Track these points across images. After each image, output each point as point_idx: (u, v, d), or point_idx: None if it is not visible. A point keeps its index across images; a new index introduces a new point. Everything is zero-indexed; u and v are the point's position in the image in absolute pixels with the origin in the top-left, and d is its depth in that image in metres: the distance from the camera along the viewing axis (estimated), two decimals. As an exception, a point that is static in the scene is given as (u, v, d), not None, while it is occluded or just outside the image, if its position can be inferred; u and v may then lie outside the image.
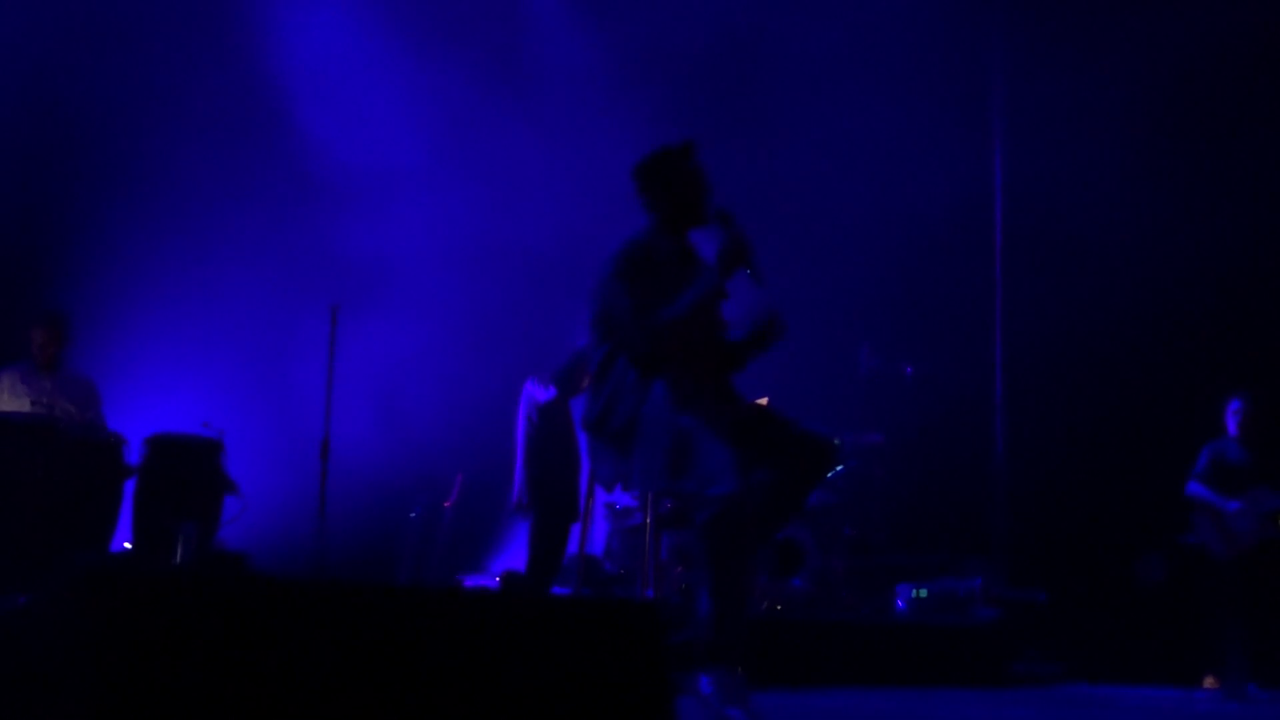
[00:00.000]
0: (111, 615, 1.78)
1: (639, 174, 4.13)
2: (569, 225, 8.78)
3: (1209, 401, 7.54)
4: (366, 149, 9.16)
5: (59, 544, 5.92)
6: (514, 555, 8.44)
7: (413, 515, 8.93)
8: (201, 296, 8.68)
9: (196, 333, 8.55)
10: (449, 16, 9.60)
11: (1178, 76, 8.83)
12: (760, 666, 3.84)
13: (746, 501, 3.55)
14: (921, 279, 9.65)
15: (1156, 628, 7.96)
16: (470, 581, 8.24)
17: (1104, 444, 8.91)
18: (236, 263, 8.76)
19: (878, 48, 9.76)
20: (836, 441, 4.15)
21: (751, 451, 3.75)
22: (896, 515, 8.82)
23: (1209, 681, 7.14)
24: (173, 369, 8.34)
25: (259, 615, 1.88)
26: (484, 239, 9.23)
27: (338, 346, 7.32)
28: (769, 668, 4.65)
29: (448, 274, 9.10)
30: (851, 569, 8.20)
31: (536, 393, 7.01)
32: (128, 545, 6.54)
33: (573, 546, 6.89)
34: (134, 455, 6.55)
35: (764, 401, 4.46)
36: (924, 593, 7.82)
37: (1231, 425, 7.29)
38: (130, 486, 6.50)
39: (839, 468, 8.10)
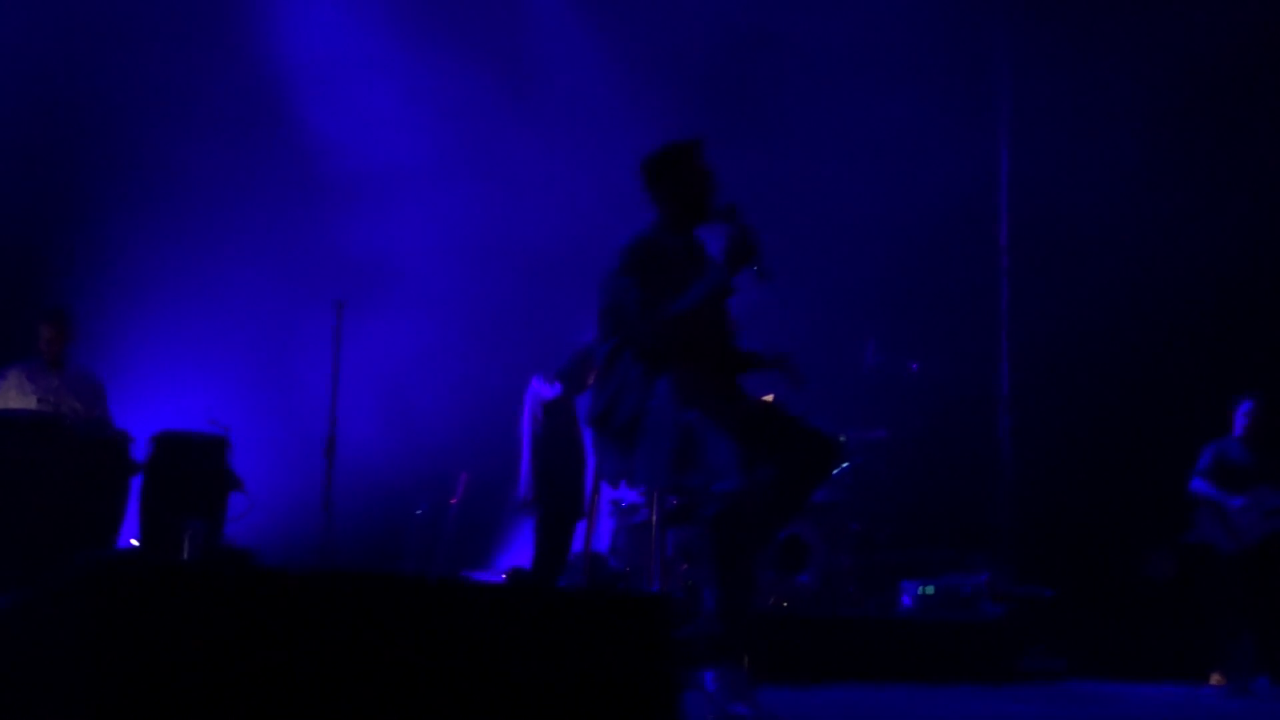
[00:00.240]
0: (118, 608, 1.78)
1: (646, 170, 4.13)
2: (574, 221, 8.77)
3: (1214, 398, 7.53)
4: (371, 146, 9.17)
5: (65, 541, 5.93)
6: (520, 552, 8.44)
7: (418, 512, 8.94)
8: (207, 294, 8.70)
9: (202, 330, 8.56)
10: (454, 13, 9.60)
11: (1184, 71, 8.81)
12: (766, 662, 3.84)
13: (752, 498, 3.54)
14: (927, 275, 9.65)
15: (1163, 624, 7.95)
16: (476, 578, 8.24)
17: (1110, 440, 8.90)
18: (242, 260, 8.77)
19: (882, 43, 9.74)
20: (841, 438, 4.15)
21: (756, 448, 3.74)
22: (902, 511, 8.81)
23: (1215, 678, 7.13)
24: (178, 366, 8.35)
25: (266, 607, 1.88)
26: (489, 235, 9.23)
27: (343, 343, 7.33)
28: (774, 664, 4.65)
29: (453, 271, 9.10)
30: (857, 565, 8.19)
31: (542, 390, 7.01)
32: (134, 542, 6.56)
33: (578, 543, 6.89)
34: (140, 452, 6.56)
35: (769, 398, 4.45)
36: (930, 589, 7.81)
37: (1238, 425, 7.28)
38: (136, 483, 6.50)
39: (844, 464, 8.10)
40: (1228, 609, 7.02)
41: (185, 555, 6.05)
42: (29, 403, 6.64)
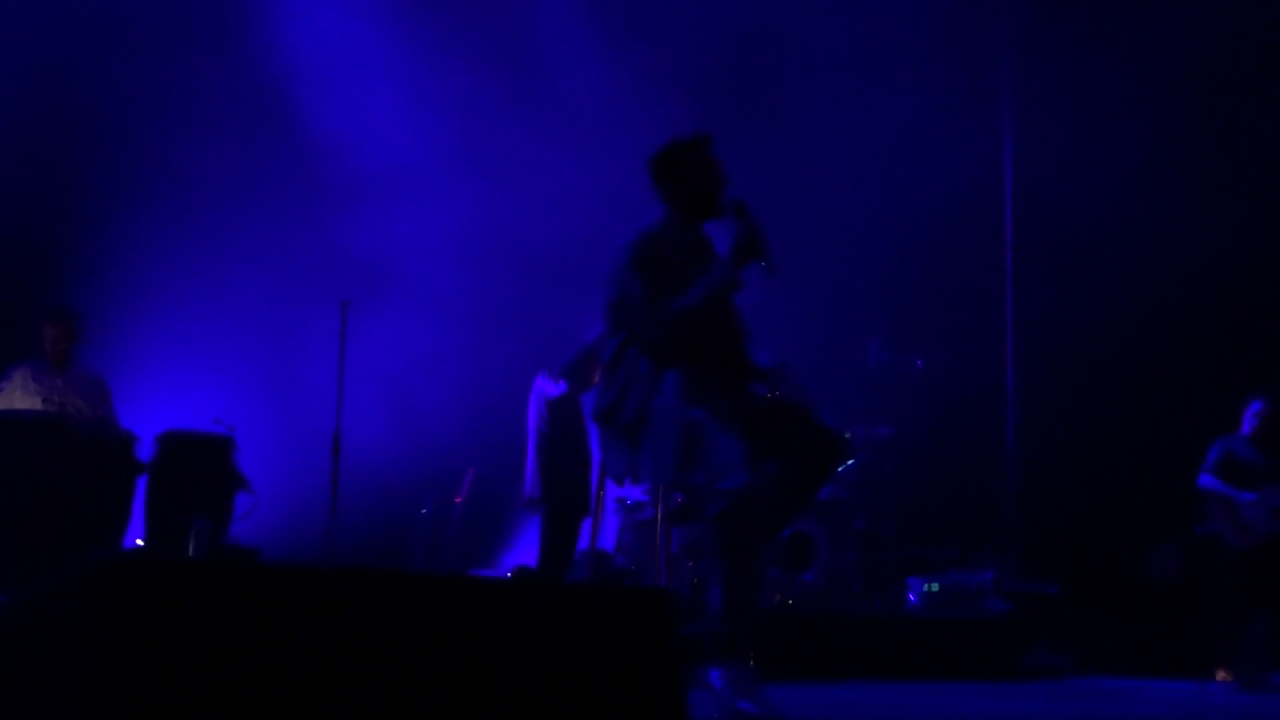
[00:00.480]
0: (124, 607, 1.78)
1: (654, 165, 4.11)
2: (577, 219, 8.78)
3: (1219, 395, 7.52)
4: (375, 145, 9.18)
5: (71, 541, 5.93)
6: (525, 550, 8.44)
7: (424, 511, 8.95)
8: (212, 293, 8.71)
9: (207, 329, 8.58)
10: (458, 13, 9.60)
11: (1188, 68, 8.80)
12: (772, 660, 3.83)
13: (757, 495, 3.54)
14: (932, 272, 9.64)
15: (1168, 621, 7.94)
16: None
17: (1115, 436, 8.89)
18: (247, 259, 8.78)
19: (886, 42, 9.74)
20: (847, 435, 4.14)
21: (762, 445, 3.74)
22: (907, 508, 8.80)
23: (1221, 674, 7.13)
24: (184, 366, 8.37)
25: (271, 605, 1.88)
26: (493, 234, 9.24)
27: (348, 342, 7.34)
28: (780, 661, 4.65)
29: (458, 269, 9.11)
30: (862, 562, 8.19)
31: (547, 388, 7.01)
32: (140, 542, 6.56)
33: (584, 541, 6.90)
34: (145, 452, 6.57)
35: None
36: (935, 586, 7.81)
37: (1247, 424, 7.28)
38: (142, 483, 6.51)
39: (850, 461, 8.10)
40: (1237, 603, 7.02)
41: (191, 554, 6.05)
42: (34, 403, 6.65)
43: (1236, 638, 6.93)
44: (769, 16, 9.81)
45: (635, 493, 7.46)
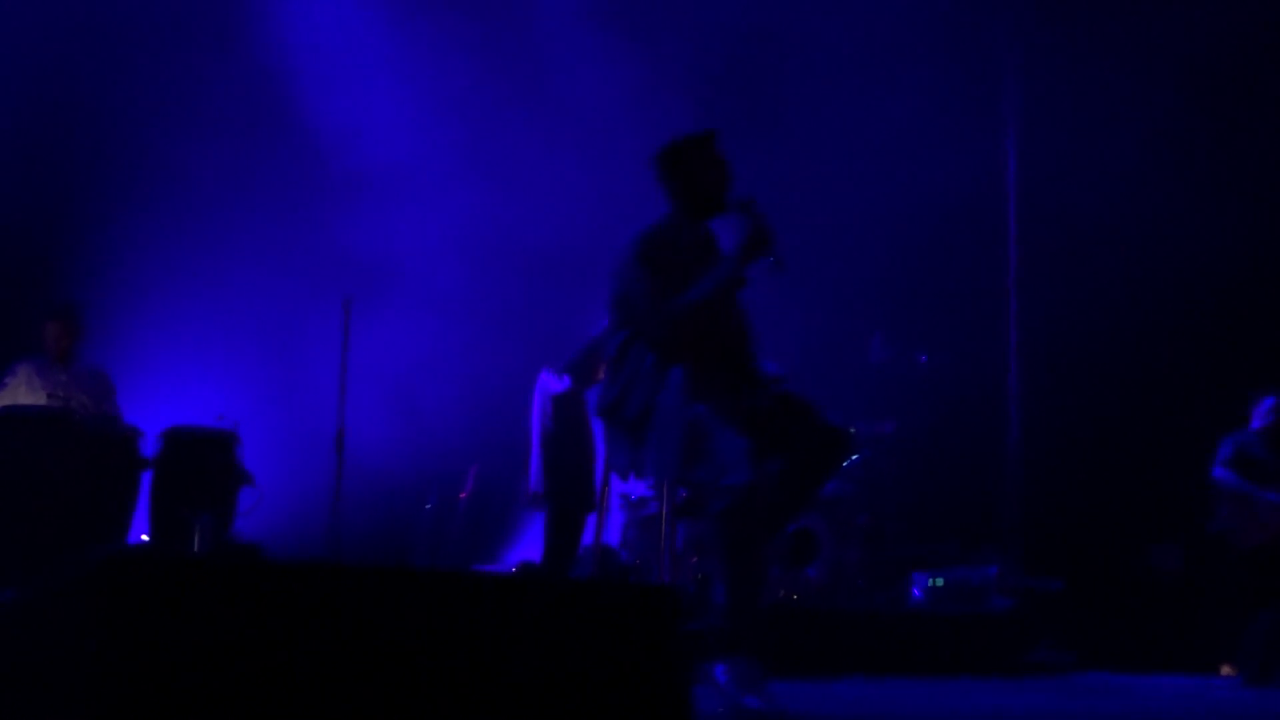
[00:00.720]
0: (129, 602, 1.78)
1: (660, 162, 4.11)
2: (579, 217, 8.78)
3: (1222, 391, 7.52)
4: (376, 144, 9.17)
5: (75, 536, 5.94)
6: (529, 546, 8.44)
7: (428, 507, 8.95)
8: (216, 290, 8.72)
9: (211, 326, 8.59)
10: (458, 12, 9.59)
11: (1189, 67, 8.79)
12: (776, 656, 3.83)
13: (761, 492, 3.54)
14: (935, 268, 9.63)
15: (1172, 616, 7.94)
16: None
17: (1119, 432, 8.89)
18: (250, 257, 8.79)
19: (888, 40, 9.72)
20: (851, 431, 4.14)
21: (765, 441, 3.74)
22: (911, 504, 8.80)
23: (1225, 670, 7.12)
24: (188, 362, 8.38)
25: (275, 600, 1.89)
26: (494, 233, 9.24)
27: (351, 339, 7.34)
28: (784, 657, 4.65)
29: (461, 266, 9.11)
30: (866, 558, 8.19)
31: (551, 384, 7.01)
32: (144, 538, 6.57)
33: (588, 537, 6.90)
34: (150, 448, 6.58)
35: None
36: (939, 582, 7.81)
37: (1258, 420, 7.27)
38: (146, 479, 6.52)
39: (853, 457, 8.10)
40: (1244, 600, 7.01)
41: (195, 549, 6.06)
42: (39, 398, 6.66)
43: (1240, 633, 6.93)
44: (770, 16, 9.80)
45: (640, 488, 7.46)
